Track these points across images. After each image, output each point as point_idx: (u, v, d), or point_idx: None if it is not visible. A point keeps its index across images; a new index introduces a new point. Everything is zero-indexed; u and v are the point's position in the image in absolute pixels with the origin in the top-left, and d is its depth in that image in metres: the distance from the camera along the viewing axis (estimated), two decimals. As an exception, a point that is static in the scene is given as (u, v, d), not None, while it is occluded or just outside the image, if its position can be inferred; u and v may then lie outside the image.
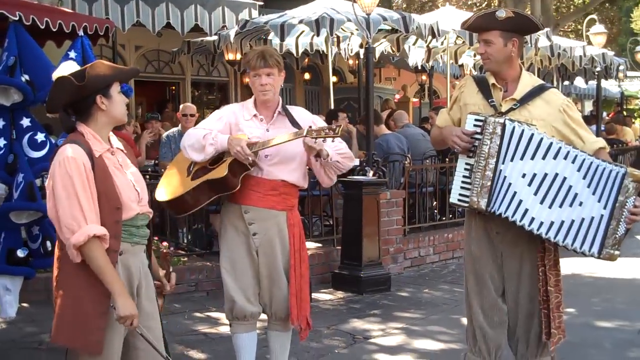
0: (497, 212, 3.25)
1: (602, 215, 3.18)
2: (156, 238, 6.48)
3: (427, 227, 8.39)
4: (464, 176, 3.34)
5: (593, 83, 14.83)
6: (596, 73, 12.77)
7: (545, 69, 12.19)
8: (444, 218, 8.71)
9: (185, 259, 6.78)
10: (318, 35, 8.62)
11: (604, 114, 17.98)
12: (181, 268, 6.45)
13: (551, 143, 3.21)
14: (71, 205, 2.66)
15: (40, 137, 4.62)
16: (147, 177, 5.46)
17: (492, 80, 3.46)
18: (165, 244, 6.52)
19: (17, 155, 4.55)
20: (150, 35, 9.06)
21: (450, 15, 10.45)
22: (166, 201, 3.82)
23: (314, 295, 6.06)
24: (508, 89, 3.44)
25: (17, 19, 4.66)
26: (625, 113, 18.83)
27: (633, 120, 19.74)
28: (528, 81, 3.45)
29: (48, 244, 4.52)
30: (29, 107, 4.67)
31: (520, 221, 3.21)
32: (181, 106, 8.24)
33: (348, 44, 10.71)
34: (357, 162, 7.29)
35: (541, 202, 3.20)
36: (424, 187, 8.38)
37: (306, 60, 12.16)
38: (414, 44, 11.08)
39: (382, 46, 10.94)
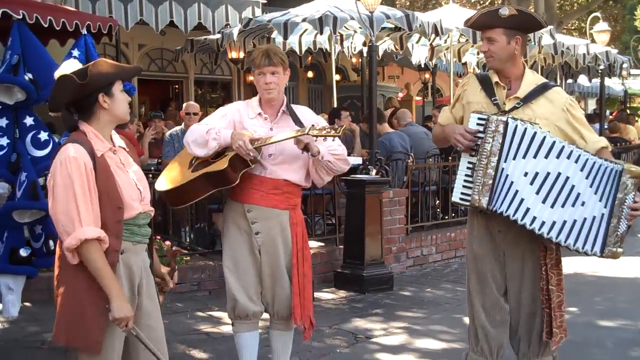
0: (499, 210, 3.24)
1: (602, 214, 3.17)
2: (159, 237, 6.50)
3: (430, 226, 8.37)
4: (466, 175, 3.33)
5: (596, 81, 14.82)
6: (600, 71, 12.76)
7: (549, 67, 12.18)
8: (446, 217, 8.70)
9: (188, 258, 6.77)
10: (321, 33, 8.63)
11: (608, 112, 17.97)
12: (184, 267, 6.44)
13: (554, 142, 3.20)
14: (68, 206, 2.66)
15: (43, 135, 4.63)
16: (150, 175, 5.45)
17: (495, 78, 3.45)
18: (168, 243, 6.54)
19: (20, 154, 4.55)
20: (154, 34, 9.07)
21: (453, 13, 10.45)
22: (165, 191, 3.82)
23: (316, 294, 6.07)
24: (512, 87, 3.43)
25: (20, 17, 4.66)
26: (628, 111, 18.77)
27: (636, 118, 19.67)
28: (531, 79, 3.44)
29: (51, 243, 4.53)
30: (32, 106, 4.68)
31: (521, 220, 3.20)
32: (184, 105, 8.24)
33: (351, 42, 10.73)
34: (360, 160, 7.30)
35: (543, 202, 3.19)
36: (427, 186, 8.37)
37: (309, 58, 12.17)
38: (417, 42, 11.09)
39: (386, 44, 10.93)
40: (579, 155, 3.19)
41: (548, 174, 3.20)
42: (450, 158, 8.36)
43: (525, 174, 3.22)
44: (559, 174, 3.19)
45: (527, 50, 8.60)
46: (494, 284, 3.46)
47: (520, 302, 3.44)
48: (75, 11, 5.75)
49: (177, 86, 14.18)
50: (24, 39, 4.61)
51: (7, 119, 4.57)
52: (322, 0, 8.86)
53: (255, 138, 3.70)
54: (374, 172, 6.91)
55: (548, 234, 3.18)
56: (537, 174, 3.21)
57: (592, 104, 22.47)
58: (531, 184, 3.21)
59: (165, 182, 3.86)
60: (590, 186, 3.18)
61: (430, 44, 10.99)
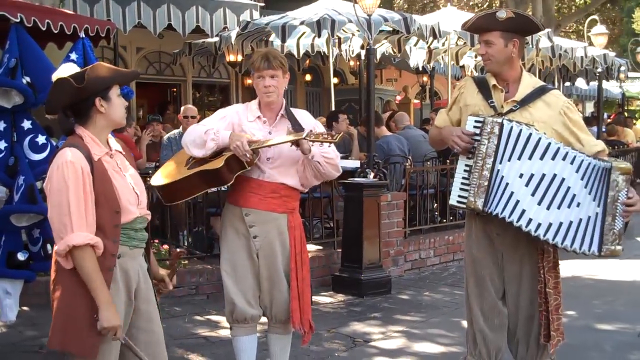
0: (494, 212, 3.24)
1: (597, 214, 3.18)
2: (157, 241, 6.49)
3: (428, 229, 8.37)
4: (463, 177, 3.33)
5: (594, 84, 14.80)
6: (597, 74, 12.75)
7: (547, 70, 12.18)
8: (444, 220, 8.69)
9: (186, 261, 6.76)
10: (319, 36, 8.62)
11: (605, 115, 17.98)
12: (182, 271, 6.43)
13: (549, 143, 3.21)
14: (61, 211, 2.65)
15: (41, 139, 4.62)
16: (148, 179, 5.44)
17: (492, 81, 3.45)
18: (166, 246, 6.53)
19: (18, 157, 4.54)
20: (152, 37, 9.07)
21: (451, 16, 10.45)
22: (160, 186, 3.81)
23: (314, 298, 6.05)
24: (509, 90, 3.43)
25: (18, 20, 4.66)
26: (626, 114, 18.84)
27: (634, 121, 19.72)
28: (529, 82, 3.44)
29: (48, 246, 4.51)
30: (30, 110, 4.67)
31: (517, 222, 3.19)
32: (182, 108, 8.24)
33: (349, 45, 10.72)
34: (357, 164, 7.30)
35: (539, 203, 3.19)
36: (425, 189, 8.37)
37: (307, 61, 12.16)
38: (415, 45, 11.08)
39: (383, 47, 10.94)
40: (574, 157, 3.19)
41: (543, 175, 3.20)
42: (448, 161, 8.35)
43: (521, 176, 3.22)
44: (555, 175, 3.19)
45: (525, 53, 8.62)
46: (492, 287, 3.46)
47: (519, 305, 3.44)
48: (73, 14, 5.74)
49: (175, 89, 14.19)
50: (21, 42, 4.60)
51: (4, 122, 4.56)
52: (320, 3, 8.87)
53: (254, 140, 3.70)
54: (371, 175, 6.90)
55: (545, 235, 3.18)
56: (532, 175, 3.21)
57: (589, 107, 22.50)
58: (526, 185, 3.21)
59: (161, 177, 3.87)
60: (585, 187, 3.19)
61: (428, 47, 11.00)
